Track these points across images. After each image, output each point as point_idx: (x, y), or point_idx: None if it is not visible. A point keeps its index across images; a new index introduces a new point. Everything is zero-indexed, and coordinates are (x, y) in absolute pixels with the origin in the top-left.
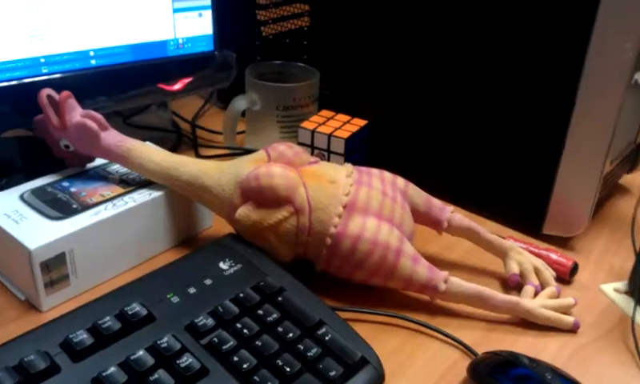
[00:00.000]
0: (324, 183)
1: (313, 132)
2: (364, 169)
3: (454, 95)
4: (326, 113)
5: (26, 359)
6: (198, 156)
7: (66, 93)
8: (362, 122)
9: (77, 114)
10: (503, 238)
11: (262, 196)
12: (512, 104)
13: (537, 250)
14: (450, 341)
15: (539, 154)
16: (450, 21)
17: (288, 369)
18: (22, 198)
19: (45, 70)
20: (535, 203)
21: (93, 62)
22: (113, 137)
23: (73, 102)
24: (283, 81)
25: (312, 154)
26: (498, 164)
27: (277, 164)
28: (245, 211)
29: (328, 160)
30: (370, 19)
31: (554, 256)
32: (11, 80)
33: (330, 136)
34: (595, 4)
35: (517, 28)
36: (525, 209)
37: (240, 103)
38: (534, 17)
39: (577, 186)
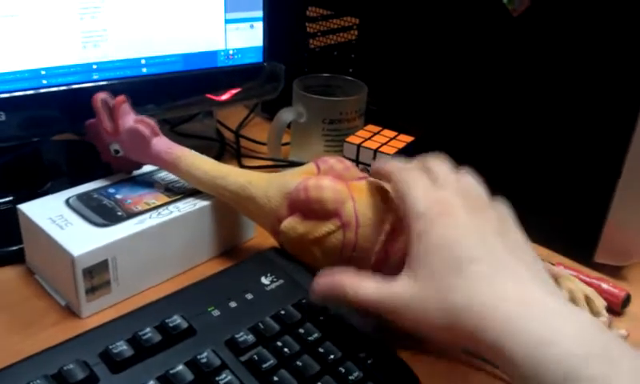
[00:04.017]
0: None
1: (359, 146)
2: None
3: (504, 114)
4: (372, 128)
5: (65, 368)
6: (241, 166)
7: (121, 97)
8: (409, 139)
9: (130, 119)
10: (553, 264)
11: (309, 208)
12: (568, 127)
13: (587, 279)
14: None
15: (594, 179)
16: (505, 39)
17: None
18: (67, 202)
19: (96, 77)
20: (588, 230)
21: (144, 70)
22: (163, 143)
23: (127, 106)
24: (330, 94)
25: None
26: (551, 188)
27: (326, 176)
28: (291, 223)
29: None
30: (419, 34)
31: (605, 286)
32: (62, 85)
33: (376, 151)
34: None
35: (576, 51)
36: (576, 236)
37: (287, 115)
38: (593, 40)
39: (632, 214)
